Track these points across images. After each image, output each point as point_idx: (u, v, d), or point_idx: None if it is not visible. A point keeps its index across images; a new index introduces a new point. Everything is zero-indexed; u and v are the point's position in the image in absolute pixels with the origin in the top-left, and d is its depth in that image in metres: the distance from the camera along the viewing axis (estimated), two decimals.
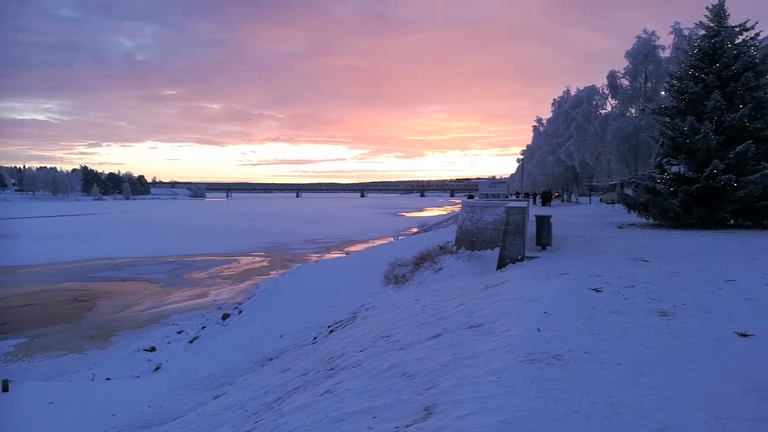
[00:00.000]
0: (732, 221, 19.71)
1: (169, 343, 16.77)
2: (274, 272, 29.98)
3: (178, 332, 17.75)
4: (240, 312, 19.91)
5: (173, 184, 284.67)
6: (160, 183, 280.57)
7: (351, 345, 9.71)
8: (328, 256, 37.11)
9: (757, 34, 20.82)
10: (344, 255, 35.89)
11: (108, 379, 13.89)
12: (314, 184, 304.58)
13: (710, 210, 19.13)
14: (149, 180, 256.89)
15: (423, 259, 20.16)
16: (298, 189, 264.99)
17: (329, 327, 15.37)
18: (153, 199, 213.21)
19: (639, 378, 4.69)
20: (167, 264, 34.14)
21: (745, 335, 5.96)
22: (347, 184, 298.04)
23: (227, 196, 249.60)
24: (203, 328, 18.24)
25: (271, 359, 13.77)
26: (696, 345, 5.64)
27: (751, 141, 18.42)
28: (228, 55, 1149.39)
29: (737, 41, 20.50)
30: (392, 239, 42.11)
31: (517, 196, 52.20)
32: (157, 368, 14.79)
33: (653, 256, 12.42)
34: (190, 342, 16.81)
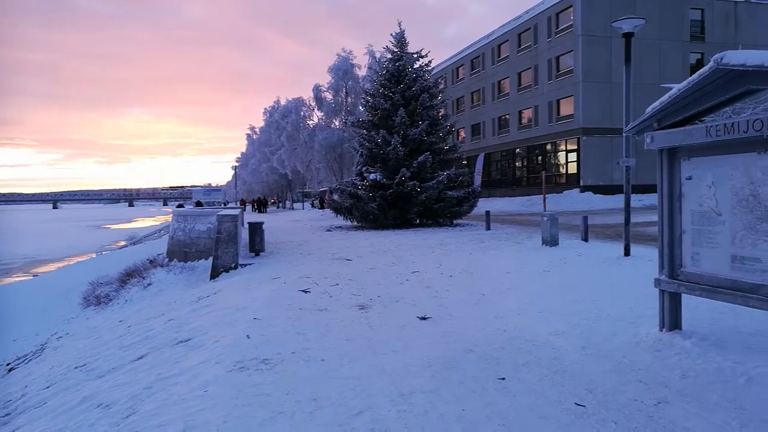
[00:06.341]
0: (418, 221, 22.92)
1: None
2: None
3: None
4: None
5: None
6: None
7: (35, 382, 8.32)
8: (8, 280, 31.12)
9: (430, 62, 24.78)
10: (31, 277, 30.60)
11: None
12: None
13: (401, 212, 21.90)
14: None
15: (130, 276, 18.48)
16: None
17: (8, 365, 12.89)
18: None
19: (340, 370, 5.05)
20: None
21: (424, 318, 6.95)
22: (35, 194, 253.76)
23: None
24: None
25: None
26: (387, 332, 6.35)
27: (429, 152, 21.74)
28: None
29: (416, 66, 23.99)
30: (94, 255, 37.50)
31: (243, 204, 51.80)
32: None
33: (356, 255, 13.64)
34: None
